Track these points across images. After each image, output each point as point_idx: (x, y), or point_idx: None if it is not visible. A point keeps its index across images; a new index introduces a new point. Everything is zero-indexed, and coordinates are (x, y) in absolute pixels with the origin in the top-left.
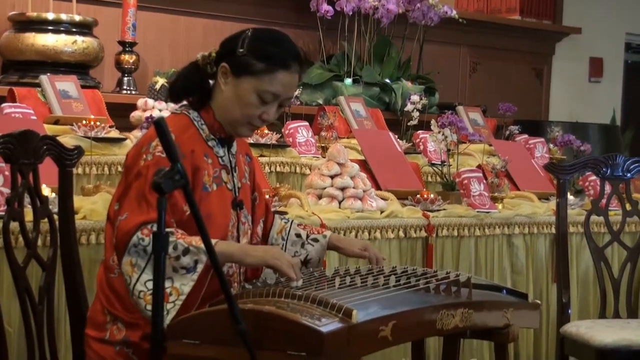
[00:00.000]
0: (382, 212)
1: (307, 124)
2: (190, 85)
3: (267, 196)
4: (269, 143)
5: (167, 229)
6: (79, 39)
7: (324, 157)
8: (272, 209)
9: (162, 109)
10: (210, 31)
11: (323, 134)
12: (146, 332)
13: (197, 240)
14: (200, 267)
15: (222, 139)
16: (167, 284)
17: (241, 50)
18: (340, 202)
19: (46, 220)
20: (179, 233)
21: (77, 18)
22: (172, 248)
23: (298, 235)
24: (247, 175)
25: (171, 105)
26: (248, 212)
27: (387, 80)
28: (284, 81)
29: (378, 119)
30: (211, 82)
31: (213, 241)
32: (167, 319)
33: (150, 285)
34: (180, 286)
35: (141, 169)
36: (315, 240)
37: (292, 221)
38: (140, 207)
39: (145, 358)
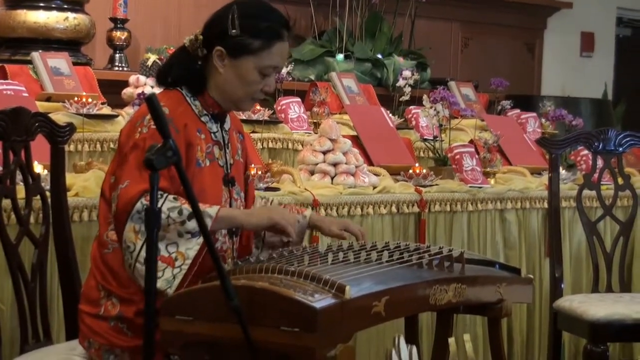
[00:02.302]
0: (374, 187)
1: (299, 100)
2: (185, 72)
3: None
4: (261, 119)
5: (171, 195)
6: (71, 15)
7: (316, 133)
8: (265, 185)
9: (153, 86)
10: (201, 7)
11: (315, 109)
12: (140, 308)
13: (202, 205)
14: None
15: (215, 115)
16: (172, 249)
17: (234, 31)
18: (332, 178)
19: (38, 197)
20: (182, 199)
21: None
22: (177, 213)
23: None
24: (240, 153)
25: None
26: (241, 188)
27: (379, 56)
28: (280, 51)
29: (370, 95)
30: (199, 63)
31: (215, 208)
32: (174, 285)
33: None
34: (186, 250)
35: (137, 141)
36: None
37: (272, 200)
38: (142, 175)
39: (139, 333)
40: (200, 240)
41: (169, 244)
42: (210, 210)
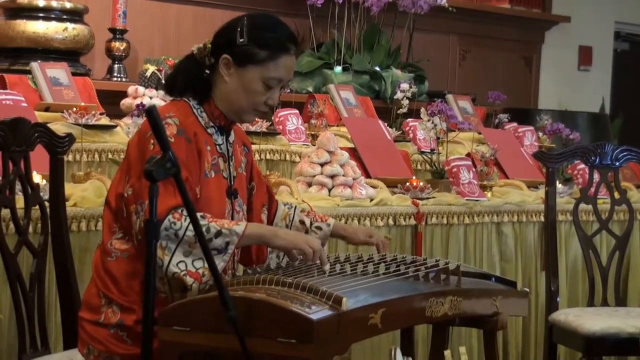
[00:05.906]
0: (371, 200)
1: (297, 111)
2: (192, 79)
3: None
4: (259, 131)
5: (198, 213)
6: (70, 26)
7: (314, 145)
8: None
9: (152, 97)
10: (200, 19)
11: (313, 121)
12: (141, 317)
13: (228, 223)
14: (231, 249)
15: (221, 127)
16: (199, 264)
17: (242, 40)
18: (330, 190)
19: (37, 207)
20: (209, 217)
21: (68, 5)
22: (204, 231)
23: (302, 222)
24: (244, 166)
25: (161, 92)
26: (243, 201)
27: (377, 68)
28: (286, 65)
29: (368, 107)
30: (207, 71)
31: (243, 224)
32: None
33: (182, 266)
34: None
35: (155, 154)
36: (319, 228)
37: (295, 207)
38: (167, 191)
39: (139, 341)
40: (227, 257)
41: (195, 260)
42: (237, 228)
